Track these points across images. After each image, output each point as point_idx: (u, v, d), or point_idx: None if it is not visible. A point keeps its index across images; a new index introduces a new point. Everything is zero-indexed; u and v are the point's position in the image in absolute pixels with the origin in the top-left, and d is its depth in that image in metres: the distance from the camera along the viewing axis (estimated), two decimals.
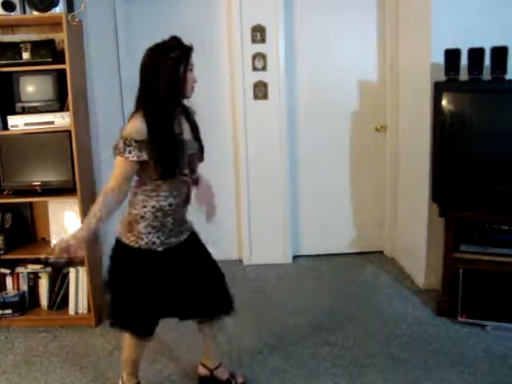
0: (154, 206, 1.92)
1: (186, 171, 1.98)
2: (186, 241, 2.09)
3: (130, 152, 1.79)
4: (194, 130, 2.05)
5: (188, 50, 1.92)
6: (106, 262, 3.16)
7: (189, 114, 2.05)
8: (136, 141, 1.80)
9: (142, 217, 1.92)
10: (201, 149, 2.07)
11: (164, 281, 1.98)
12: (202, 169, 3.95)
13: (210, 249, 2.18)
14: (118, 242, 1.99)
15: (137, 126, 1.82)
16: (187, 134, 1.99)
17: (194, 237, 2.17)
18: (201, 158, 2.10)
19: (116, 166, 1.84)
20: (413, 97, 3.37)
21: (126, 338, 2.11)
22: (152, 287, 1.96)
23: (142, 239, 1.93)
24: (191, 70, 1.93)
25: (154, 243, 1.94)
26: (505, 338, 2.62)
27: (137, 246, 1.93)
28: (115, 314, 2.05)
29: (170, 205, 1.95)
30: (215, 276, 2.14)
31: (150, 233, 1.93)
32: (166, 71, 1.86)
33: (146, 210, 1.92)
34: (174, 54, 1.87)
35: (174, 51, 1.88)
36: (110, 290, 2.06)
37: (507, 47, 2.67)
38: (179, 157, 1.88)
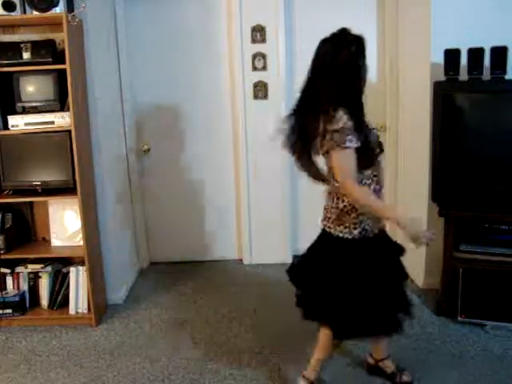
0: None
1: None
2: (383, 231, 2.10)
3: (350, 141, 1.85)
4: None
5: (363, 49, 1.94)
6: (106, 261, 3.19)
7: None
8: (350, 130, 1.86)
9: (353, 207, 1.97)
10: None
11: (377, 270, 2.00)
12: (202, 167, 3.99)
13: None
14: (328, 236, 2.06)
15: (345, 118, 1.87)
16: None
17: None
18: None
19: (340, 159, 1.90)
20: (413, 97, 3.38)
21: (325, 337, 2.20)
22: (371, 279, 1.98)
23: (356, 229, 1.98)
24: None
25: (366, 231, 1.99)
26: (504, 338, 2.62)
27: (351, 237, 1.99)
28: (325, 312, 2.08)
29: (374, 190, 1.98)
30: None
31: (362, 221, 1.98)
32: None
33: (347, 203, 1.99)
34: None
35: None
36: (315, 286, 2.11)
37: (507, 47, 2.67)
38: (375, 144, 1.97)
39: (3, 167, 2.87)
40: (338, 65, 1.90)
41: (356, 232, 1.99)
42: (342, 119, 1.86)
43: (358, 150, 1.88)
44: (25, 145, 2.85)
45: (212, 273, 3.74)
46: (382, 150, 2.04)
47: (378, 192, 2.01)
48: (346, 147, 1.85)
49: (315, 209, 3.91)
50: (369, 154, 1.94)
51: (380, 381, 2.33)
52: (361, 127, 1.89)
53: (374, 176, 2.01)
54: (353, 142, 1.86)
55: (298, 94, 2.04)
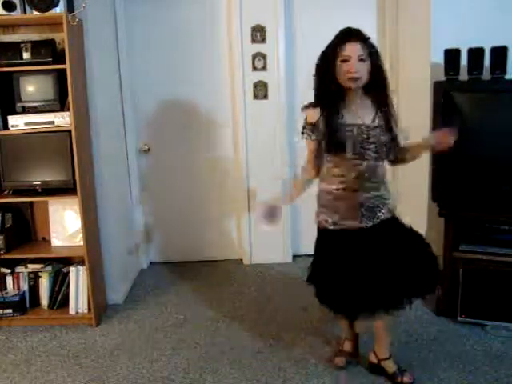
0: (323, 189, 2.15)
1: (354, 155, 2.04)
2: (372, 228, 2.10)
3: (307, 137, 2.13)
4: (385, 118, 2.08)
5: (338, 42, 2.01)
6: (106, 261, 3.19)
7: (382, 106, 2.09)
8: (306, 127, 2.12)
9: (318, 196, 2.19)
10: (392, 138, 2.09)
11: (337, 260, 2.13)
12: (202, 167, 3.98)
13: None
14: None
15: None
16: (363, 120, 2.05)
17: (389, 225, 2.14)
18: (392, 146, 2.10)
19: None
20: (413, 97, 3.37)
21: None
22: (324, 264, 2.19)
23: (318, 216, 2.17)
24: (345, 60, 1.98)
25: (326, 221, 2.14)
26: (504, 338, 2.62)
27: (316, 222, 2.21)
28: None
29: (338, 189, 2.09)
30: (409, 264, 2.12)
31: (322, 212, 2.15)
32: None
33: (319, 190, 2.18)
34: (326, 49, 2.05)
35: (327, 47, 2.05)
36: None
37: (507, 47, 2.67)
38: (333, 138, 2.05)
39: (3, 167, 2.87)
40: (317, 64, 2.08)
41: (318, 219, 2.20)
42: (304, 117, 2.13)
43: (319, 143, 2.11)
44: (25, 145, 2.85)
45: (212, 273, 3.74)
46: (358, 154, 2.04)
47: (343, 196, 2.08)
48: (303, 139, 2.16)
49: (315, 209, 3.89)
50: (323, 151, 2.11)
51: (380, 380, 2.33)
52: (328, 124, 2.05)
53: (341, 176, 2.08)
54: (308, 138, 2.12)
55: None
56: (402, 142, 2.16)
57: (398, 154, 2.16)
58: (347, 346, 2.51)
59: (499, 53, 2.67)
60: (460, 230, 2.82)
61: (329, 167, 2.12)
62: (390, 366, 2.32)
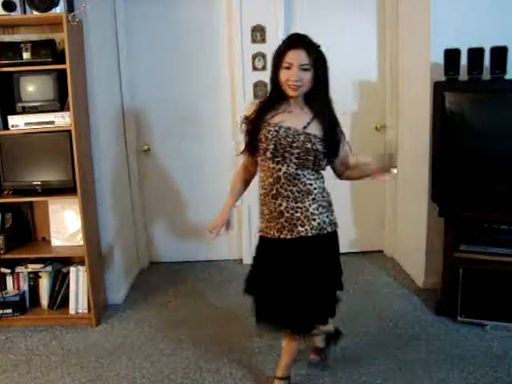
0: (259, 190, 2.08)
1: (273, 160, 1.96)
2: (291, 242, 1.99)
3: (243, 129, 2.08)
4: (321, 129, 1.98)
5: (284, 48, 1.92)
6: (105, 261, 3.19)
7: (319, 116, 1.99)
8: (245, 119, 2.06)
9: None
10: (327, 149, 1.98)
11: (260, 268, 2.11)
12: (202, 167, 3.96)
13: None
14: None
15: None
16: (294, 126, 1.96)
17: (309, 244, 2.00)
18: (326, 157, 1.99)
19: None
20: (413, 97, 3.38)
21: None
22: (258, 269, 2.13)
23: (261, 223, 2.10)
24: (287, 67, 1.90)
25: (258, 227, 2.11)
26: (504, 338, 2.62)
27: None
28: None
29: (261, 194, 2.06)
30: (306, 291, 2.02)
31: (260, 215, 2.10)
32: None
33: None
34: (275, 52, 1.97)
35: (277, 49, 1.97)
36: None
37: (507, 47, 2.67)
38: (250, 139, 2.02)
39: (3, 167, 2.87)
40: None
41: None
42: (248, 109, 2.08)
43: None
44: (25, 145, 2.85)
45: (212, 273, 3.74)
46: (279, 157, 1.94)
47: (266, 202, 2.02)
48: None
49: None
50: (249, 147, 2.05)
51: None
52: (250, 121, 2.01)
53: (263, 181, 2.02)
54: (243, 129, 2.06)
55: None
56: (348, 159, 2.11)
57: (338, 170, 2.11)
58: (318, 342, 2.46)
59: (499, 53, 2.68)
60: (460, 229, 2.82)
61: (259, 171, 2.07)
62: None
